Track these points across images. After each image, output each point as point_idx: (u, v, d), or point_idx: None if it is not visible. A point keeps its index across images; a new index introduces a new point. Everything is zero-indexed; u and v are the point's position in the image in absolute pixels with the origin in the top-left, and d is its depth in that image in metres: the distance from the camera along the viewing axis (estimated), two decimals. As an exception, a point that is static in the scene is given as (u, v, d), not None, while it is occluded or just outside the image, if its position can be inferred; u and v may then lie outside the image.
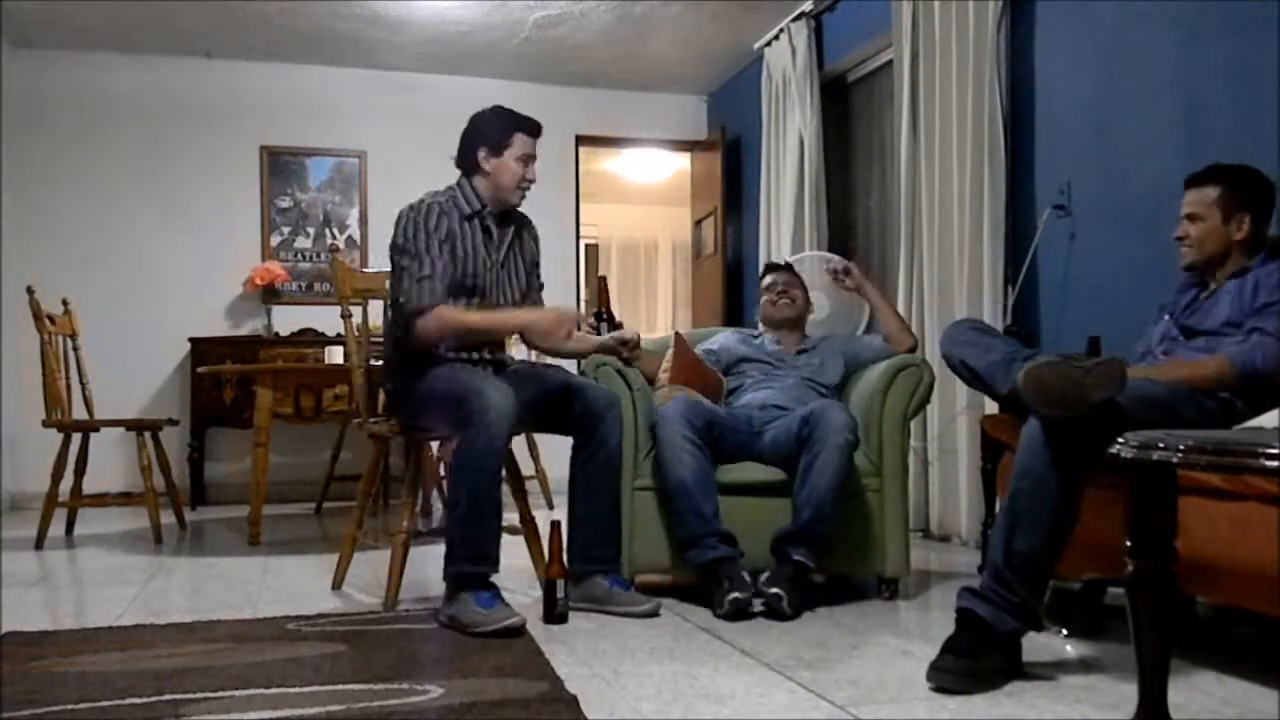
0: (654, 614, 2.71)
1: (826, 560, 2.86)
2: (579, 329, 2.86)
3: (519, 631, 2.46)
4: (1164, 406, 2.15)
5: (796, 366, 3.26)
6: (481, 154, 2.87)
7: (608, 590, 2.77)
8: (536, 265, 3.10)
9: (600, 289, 3.33)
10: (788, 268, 3.49)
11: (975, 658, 2.02)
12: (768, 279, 3.46)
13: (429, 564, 3.62)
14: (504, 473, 3.12)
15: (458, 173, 2.95)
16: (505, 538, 2.67)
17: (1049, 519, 2.03)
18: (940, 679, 2.00)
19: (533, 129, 2.91)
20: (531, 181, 2.93)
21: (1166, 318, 2.54)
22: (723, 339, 3.47)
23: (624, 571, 2.90)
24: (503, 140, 2.86)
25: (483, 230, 2.90)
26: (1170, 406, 2.16)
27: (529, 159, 2.90)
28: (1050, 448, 2.02)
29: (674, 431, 2.83)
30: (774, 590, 2.65)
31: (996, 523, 2.13)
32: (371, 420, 3.06)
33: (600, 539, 2.85)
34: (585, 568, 2.82)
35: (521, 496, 3.08)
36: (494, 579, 2.62)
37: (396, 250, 2.81)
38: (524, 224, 3.06)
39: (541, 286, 3.13)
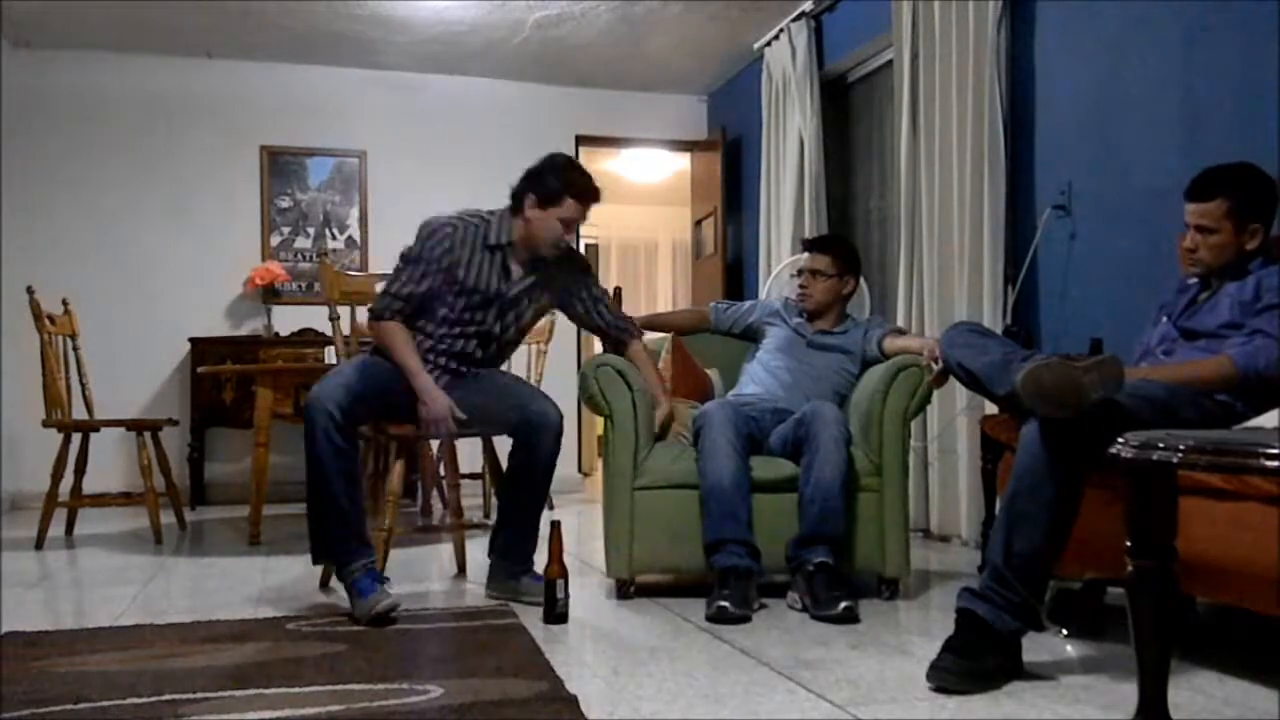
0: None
1: (843, 559, 2.84)
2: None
3: (389, 614, 2.58)
4: (1163, 406, 2.15)
5: (813, 350, 3.25)
6: (529, 200, 2.88)
7: (527, 584, 2.89)
8: (589, 292, 3.09)
9: (614, 299, 3.38)
10: (822, 246, 3.36)
11: (975, 658, 2.02)
12: (802, 261, 3.41)
13: (428, 562, 3.62)
14: (488, 471, 3.15)
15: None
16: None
17: (1048, 519, 2.03)
18: (940, 679, 2.00)
19: (588, 197, 2.92)
20: (569, 244, 2.97)
21: (1165, 319, 2.53)
22: (764, 302, 3.59)
23: (625, 571, 2.92)
24: (555, 197, 2.87)
25: (502, 265, 2.93)
26: (1169, 407, 2.16)
27: (573, 224, 2.92)
28: (1049, 448, 2.02)
29: (719, 434, 2.85)
30: (844, 605, 2.60)
31: (996, 523, 2.13)
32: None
33: (523, 540, 2.96)
34: (504, 563, 2.96)
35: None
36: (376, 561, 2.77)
37: (402, 253, 2.93)
38: (561, 264, 3.02)
39: (608, 306, 3.14)
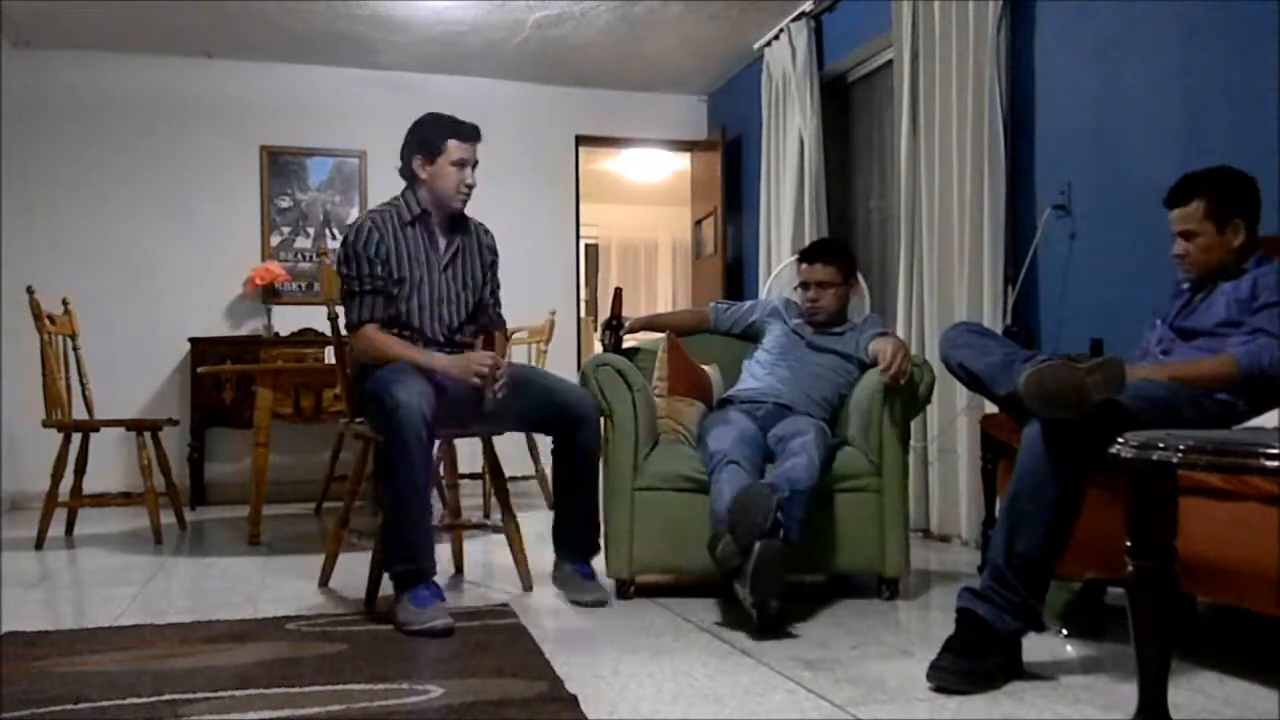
0: (601, 603, 2.83)
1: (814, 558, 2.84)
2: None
3: (448, 632, 2.48)
4: (1164, 406, 2.15)
5: (812, 351, 3.24)
6: (417, 162, 2.94)
7: (569, 576, 2.95)
8: (490, 269, 3.14)
9: (615, 299, 3.39)
10: (824, 255, 3.31)
11: (975, 658, 2.02)
12: (803, 270, 3.31)
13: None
14: (488, 471, 3.15)
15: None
16: (494, 537, 2.68)
17: (1050, 519, 2.03)
18: (940, 678, 2.01)
19: (466, 134, 2.95)
20: (471, 186, 2.97)
21: (1159, 322, 2.54)
22: (764, 301, 3.58)
23: (625, 571, 2.92)
24: (436, 147, 2.91)
25: (425, 235, 2.97)
26: (1170, 406, 2.16)
27: (465, 164, 2.94)
28: (1051, 449, 2.02)
29: (733, 466, 2.77)
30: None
31: (997, 523, 2.13)
32: (358, 420, 3.07)
33: (576, 532, 3.00)
34: (565, 555, 3.02)
35: (504, 497, 3.09)
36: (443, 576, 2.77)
37: (339, 265, 2.94)
38: (473, 230, 3.10)
39: (496, 287, 3.16)
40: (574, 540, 3.01)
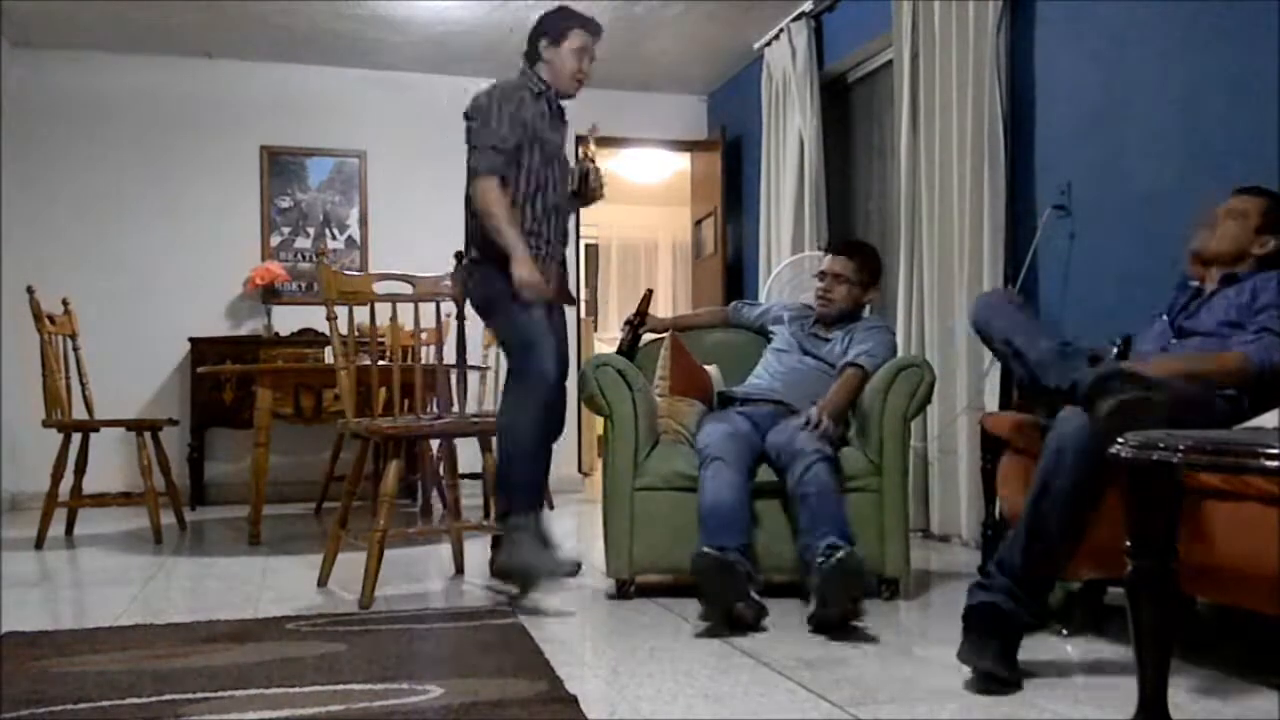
0: (573, 573, 2.97)
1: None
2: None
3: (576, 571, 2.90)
4: (1170, 408, 2.14)
5: (807, 354, 3.25)
6: (543, 44, 3.14)
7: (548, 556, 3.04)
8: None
9: (645, 299, 3.50)
10: (848, 250, 3.35)
11: (1009, 654, 2.02)
12: (824, 260, 3.37)
13: (427, 562, 3.62)
14: (488, 472, 3.19)
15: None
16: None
17: (1070, 529, 2.03)
18: (984, 682, 1.99)
19: (591, 27, 3.18)
20: (586, 75, 3.18)
21: (1162, 317, 2.55)
22: (777, 303, 3.67)
23: (625, 571, 2.92)
24: (562, 32, 3.13)
25: (549, 108, 3.14)
26: (1176, 408, 2.16)
27: (583, 53, 3.15)
28: (1098, 461, 2.00)
29: (719, 462, 2.79)
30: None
31: (1019, 520, 2.11)
32: (356, 420, 3.07)
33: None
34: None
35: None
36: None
37: (470, 119, 3.05)
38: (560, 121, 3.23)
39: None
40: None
